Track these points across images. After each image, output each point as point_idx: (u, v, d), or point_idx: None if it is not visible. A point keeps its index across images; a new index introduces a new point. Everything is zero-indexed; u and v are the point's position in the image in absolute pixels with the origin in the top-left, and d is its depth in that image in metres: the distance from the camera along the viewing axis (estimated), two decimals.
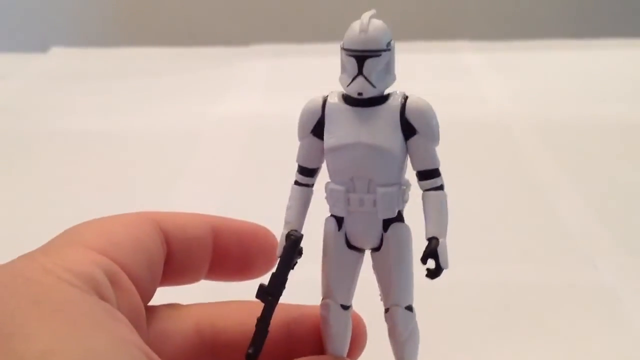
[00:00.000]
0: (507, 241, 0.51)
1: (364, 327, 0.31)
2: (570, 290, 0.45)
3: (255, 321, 0.28)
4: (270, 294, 0.27)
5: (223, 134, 0.71)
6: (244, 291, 0.31)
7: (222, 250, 0.31)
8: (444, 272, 0.27)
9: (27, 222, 0.55)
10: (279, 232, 0.29)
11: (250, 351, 0.27)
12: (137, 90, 0.84)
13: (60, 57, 0.97)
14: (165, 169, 0.64)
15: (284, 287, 0.28)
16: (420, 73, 0.83)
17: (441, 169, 0.28)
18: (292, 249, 0.28)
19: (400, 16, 1.54)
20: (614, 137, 0.69)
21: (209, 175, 0.62)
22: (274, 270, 0.28)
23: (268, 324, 0.27)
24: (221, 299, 0.31)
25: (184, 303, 0.31)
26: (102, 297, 0.24)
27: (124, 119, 0.76)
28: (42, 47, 1.00)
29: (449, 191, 0.28)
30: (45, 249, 0.25)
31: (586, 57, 0.92)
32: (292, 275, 0.28)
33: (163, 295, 0.30)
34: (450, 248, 0.27)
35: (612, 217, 0.54)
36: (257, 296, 0.28)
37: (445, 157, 0.28)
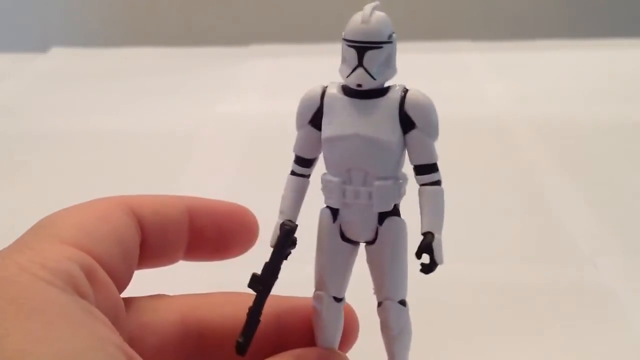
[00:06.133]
0: (507, 241, 0.51)
1: (357, 319, 0.30)
2: (570, 290, 0.45)
3: (243, 313, 0.27)
4: (261, 283, 0.27)
5: (223, 134, 0.71)
6: (230, 282, 0.31)
7: (199, 231, 0.30)
8: (443, 271, 0.27)
9: (27, 222, 0.55)
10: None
11: (240, 340, 0.27)
12: (137, 90, 0.84)
13: (60, 57, 0.97)
14: (165, 168, 0.64)
15: (276, 277, 0.27)
16: (420, 73, 0.83)
17: (441, 169, 0.28)
18: (285, 238, 0.27)
19: (400, 16, 1.53)
20: (614, 137, 0.69)
21: (208, 175, 0.62)
22: (267, 260, 0.27)
23: (259, 313, 0.27)
24: (207, 290, 0.31)
25: (169, 294, 0.30)
26: (80, 294, 0.24)
27: (124, 119, 0.76)
28: (42, 47, 1.00)
29: (448, 191, 0.28)
30: (19, 245, 0.25)
31: (586, 57, 0.92)
32: (286, 268, 0.27)
33: (148, 284, 0.29)
34: (450, 247, 0.27)
35: (612, 217, 0.54)
36: (249, 285, 0.27)
37: (445, 156, 0.28)
